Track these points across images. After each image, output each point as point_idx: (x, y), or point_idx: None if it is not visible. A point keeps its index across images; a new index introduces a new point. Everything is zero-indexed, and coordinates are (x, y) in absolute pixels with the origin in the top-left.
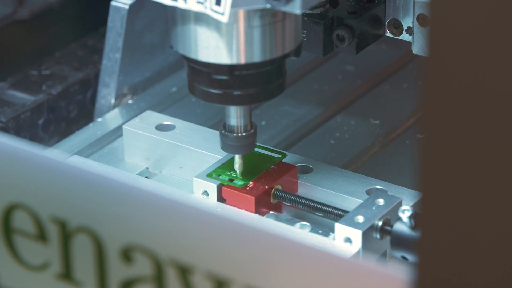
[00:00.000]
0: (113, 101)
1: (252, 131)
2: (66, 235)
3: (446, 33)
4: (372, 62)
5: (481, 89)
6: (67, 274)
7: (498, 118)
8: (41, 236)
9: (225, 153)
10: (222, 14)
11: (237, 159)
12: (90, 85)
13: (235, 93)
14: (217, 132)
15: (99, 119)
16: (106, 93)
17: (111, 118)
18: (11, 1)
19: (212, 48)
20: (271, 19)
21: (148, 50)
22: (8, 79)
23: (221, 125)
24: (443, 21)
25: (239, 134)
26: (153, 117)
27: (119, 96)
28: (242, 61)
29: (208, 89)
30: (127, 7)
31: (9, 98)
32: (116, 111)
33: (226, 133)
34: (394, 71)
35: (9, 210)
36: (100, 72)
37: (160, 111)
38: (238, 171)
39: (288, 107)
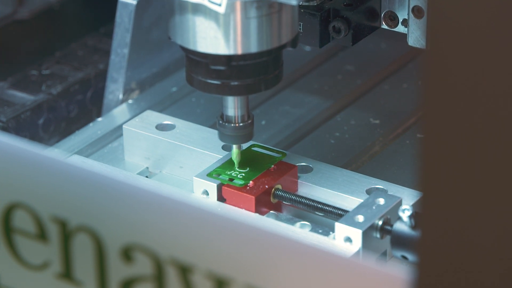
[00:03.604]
0: (121, 96)
1: (250, 121)
2: (66, 235)
3: (446, 34)
4: (372, 62)
5: (481, 89)
6: (67, 273)
7: (499, 118)
8: (42, 235)
9: (225, 153)
10: (220, 5)
11: (235, 149)
12: (90, 85)
13: (233, 83)
14: (217, 132)
15: (99, 119)
16: (114, 88)
17: (111, 117)
18: (11, 1)
19: (209, 39)
20: (267, 10)
21: (155, 46)
22: (8, 79)
23: (219, 116)
24: (443, 20)
25: (236, 125)
26: (153, 117)
27: (127, 91)
28: (239, 51)
29: (206, 79)
30: (135, 2)
31: (9, 98)
32: (116, 111)
33: (223, 123)
34: (394, 71)
35: (10, 210)
36: (108, 67)
37: (160, 111)
38: (235, 161)
39: (288, 107)
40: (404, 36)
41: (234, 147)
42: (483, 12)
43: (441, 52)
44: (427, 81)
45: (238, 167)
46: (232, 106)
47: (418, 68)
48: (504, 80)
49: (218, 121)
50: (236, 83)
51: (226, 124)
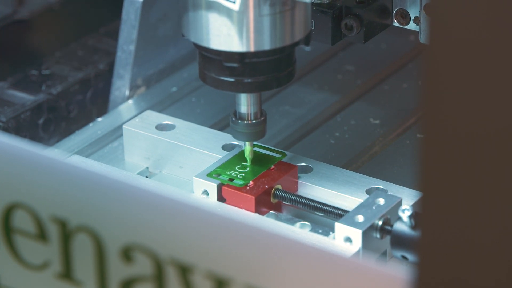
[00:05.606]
0: (127, 92)
1: (262, 118)
2: (66, 235)
3: (446, 34)
4: (372, 62)
5: (482, 89)
6: (67, 273)
7: (499, 118)
8: (41, 235)
9: (225, 153)
10: (234, 2)
11: (247, 146)
12: (90, 85)
13: (246, 80)
14: (217, 132)
15: (99, 119)
16: (120, 85)
17: (111, 117)
18: (11, 1)
19: (223, 36)
20: (281, 8)
21: (161, 42)
22: (8, 79)
23: (232, 113)
24: (444, 20)
25: (249, 122)
26: (153, 117)
27: (133, 88)
28: (253, 49)
29: (219, 76)
30: None
31: (9, 98)
32: (116, 110)
33: (236, 120)
34: (394, 71)
35: (10, 210)
36: (114, 64)
37: (160, 111)
38: (248, 159)
39: (288, 107)
40: (403, 36)
41: (247, 144)
42: (483, 12)
43: (441, 52)
44: (427, 81)
45: (239, 167)
46: (245, 103)
47: (418, 68)
48: (505, 81)
49: (231, 118)
50: (249, 80)
51: (239, 121)
